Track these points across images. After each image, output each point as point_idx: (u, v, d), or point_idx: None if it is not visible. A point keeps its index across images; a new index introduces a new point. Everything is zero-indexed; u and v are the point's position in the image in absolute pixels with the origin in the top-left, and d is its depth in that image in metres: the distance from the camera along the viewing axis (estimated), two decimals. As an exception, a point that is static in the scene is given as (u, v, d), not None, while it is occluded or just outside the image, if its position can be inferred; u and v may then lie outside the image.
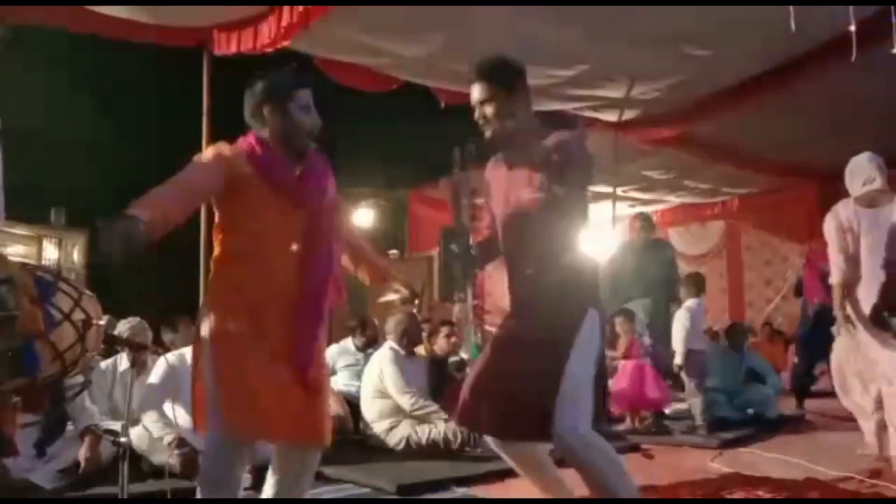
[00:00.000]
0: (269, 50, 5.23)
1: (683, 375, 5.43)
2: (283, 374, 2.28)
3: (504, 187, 2.53)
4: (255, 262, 2.32)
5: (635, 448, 4.78)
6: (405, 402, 4.60)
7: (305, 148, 2.41)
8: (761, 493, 3.47)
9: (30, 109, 8.20)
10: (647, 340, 5.79)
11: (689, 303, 5.50)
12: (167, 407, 3.84)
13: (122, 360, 4.26)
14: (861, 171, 4.15)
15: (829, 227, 4.24)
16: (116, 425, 3.33)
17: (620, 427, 5.38)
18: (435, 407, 4.58)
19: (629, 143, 8.11)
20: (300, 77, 2.49)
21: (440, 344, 5.50)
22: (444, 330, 5.58)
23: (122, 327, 4.28)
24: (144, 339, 4.25)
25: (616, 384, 5.59)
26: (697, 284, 5.67)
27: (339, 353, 5.83)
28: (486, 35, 5.51)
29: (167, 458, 3.42)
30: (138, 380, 3.86)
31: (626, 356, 5.62)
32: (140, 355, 3.95)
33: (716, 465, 4.25)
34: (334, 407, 4.12)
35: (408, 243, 10.82)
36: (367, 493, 3.62)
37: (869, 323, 3.87)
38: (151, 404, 3.85)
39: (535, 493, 2.66)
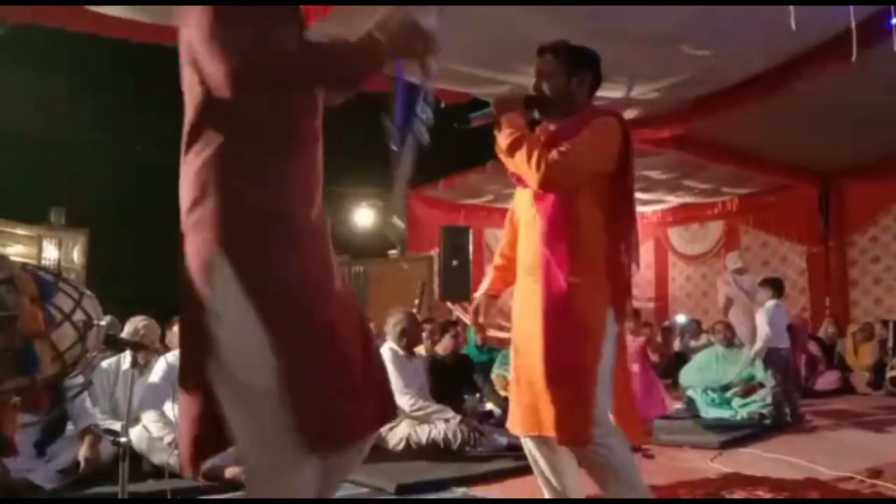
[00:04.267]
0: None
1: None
2: None
3: None
4: None
5: (635, 448, 4.76)
6: (404, 402, 4.59)
7: None
8: (761, 493, 3.47)
9: (30, 110, 8.22)
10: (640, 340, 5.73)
11: (768, 304, 6.06)
12: (167, 407, 3.83)
13: (125, 360, 4.24)
14: (735, 260, 8.64)
15: (720, 283, 8.69)
16: (117, 425, 3.33)
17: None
18: (435, 407, 4.58)
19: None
20: None
21: (443, 344, 5.49)
22: (451, 330, 5.60)
23: (133, 326, 4.23)
24: (154, 339, 4.25)
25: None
26: (775, 287, 6.24)
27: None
28: (486, 35, 5.50)
29: (167, 458, 3.42)
30: (141, 380, 3.86)
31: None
32: (146, 356, 3.95)
33: (716, 465, 4.25)
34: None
35: (408, 243, 10.81)
36: (367, 493, 3.61)
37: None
38: (151, 404, 3.85)
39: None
